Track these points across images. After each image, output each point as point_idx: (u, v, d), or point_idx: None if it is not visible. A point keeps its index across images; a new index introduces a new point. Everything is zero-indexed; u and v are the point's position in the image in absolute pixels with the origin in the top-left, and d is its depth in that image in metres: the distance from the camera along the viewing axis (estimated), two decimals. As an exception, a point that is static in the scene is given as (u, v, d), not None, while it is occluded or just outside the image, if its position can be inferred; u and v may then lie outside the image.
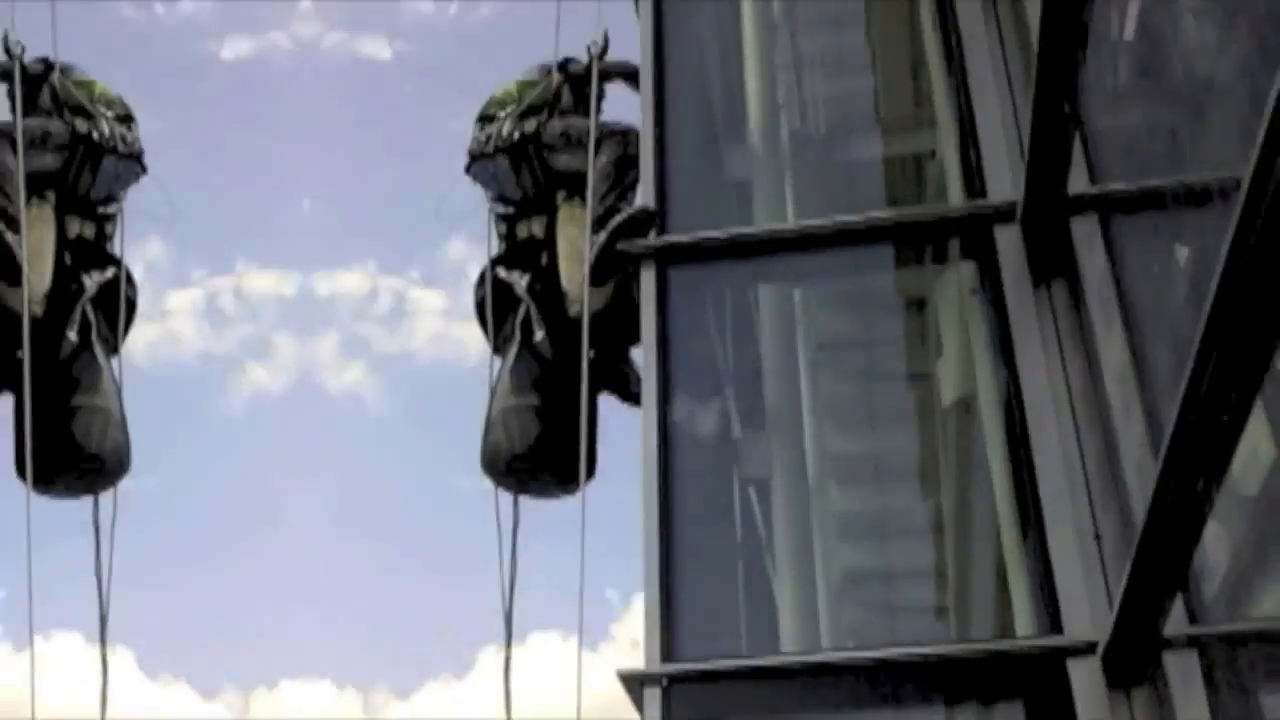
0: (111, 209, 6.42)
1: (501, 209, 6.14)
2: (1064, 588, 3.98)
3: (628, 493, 4.65)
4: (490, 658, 6.08)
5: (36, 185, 6.17)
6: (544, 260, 5.94)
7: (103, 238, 6.42)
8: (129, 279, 6.37)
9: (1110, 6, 3.90)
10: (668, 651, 4.24)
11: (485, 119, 6.22)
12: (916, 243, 5.05)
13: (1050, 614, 4.05)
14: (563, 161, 5.97)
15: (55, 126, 6.23)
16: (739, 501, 5.68)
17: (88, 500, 6.32)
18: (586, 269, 5.45)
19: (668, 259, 4.79)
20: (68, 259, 6.20)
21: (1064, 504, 4.13)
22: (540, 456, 5.85)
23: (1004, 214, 4.51)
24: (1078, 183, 4.26)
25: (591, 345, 5.60)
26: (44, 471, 6.05)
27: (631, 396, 5.80)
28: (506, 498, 6.16)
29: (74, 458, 6.15)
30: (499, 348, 6.08)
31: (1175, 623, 3.55)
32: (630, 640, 4.48)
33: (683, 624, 4.35)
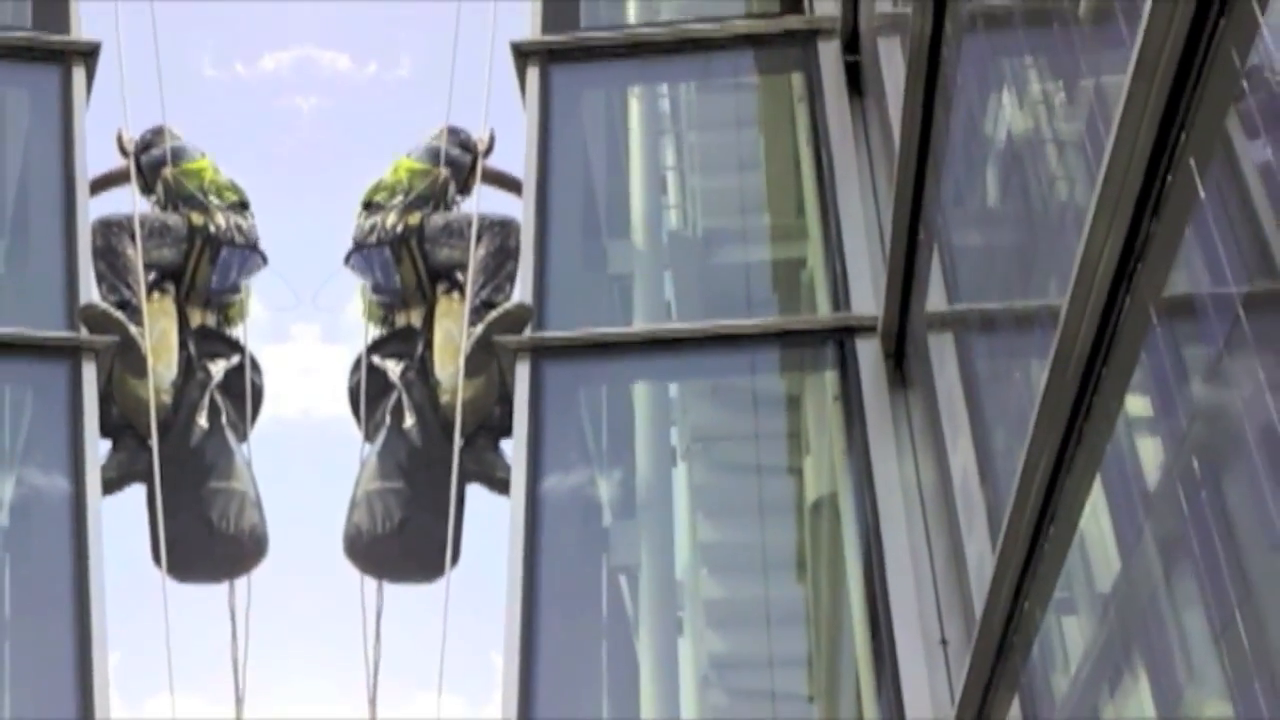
0: (232, 298, 6.50)
1: (379, 298, 6.23)
2: (909, 690, 4.15)
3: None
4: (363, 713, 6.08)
5: (158, 279, 6.25)
6: (419, 349, 6.03)
7: (225, 323, 6.50)
8: (254, 365, 6.45)
9: (966, 133, 4.14)
10: (526, 737, 4.31)
11: (369, 205, 6.32)
12: (788, 348, 5.25)
13: (896, 715, 4.21)
14: (443, 255, 6.08)
15: (173, 220, 6.31)
16: (606, 589, 5.78)
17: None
18: (461, 360, 5.55)
19: (543, 354, 4.92)
20: (192, 348, 6.26)
21: (912, 607, 4.30)
22: (401, 541, 5.90)
23: (866, 327, 4.73)
24: (935, 300, 4.48)
25: (462, 434, 5.69)
26: (182, 559, 6.02)
27: (499, 484, 5.89)
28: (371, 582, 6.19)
29: (211, 542, 6.15)
30: (370, 435, 6.15)
31: (1009, 726, 3.71)
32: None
33: (542, 707, 4.43)
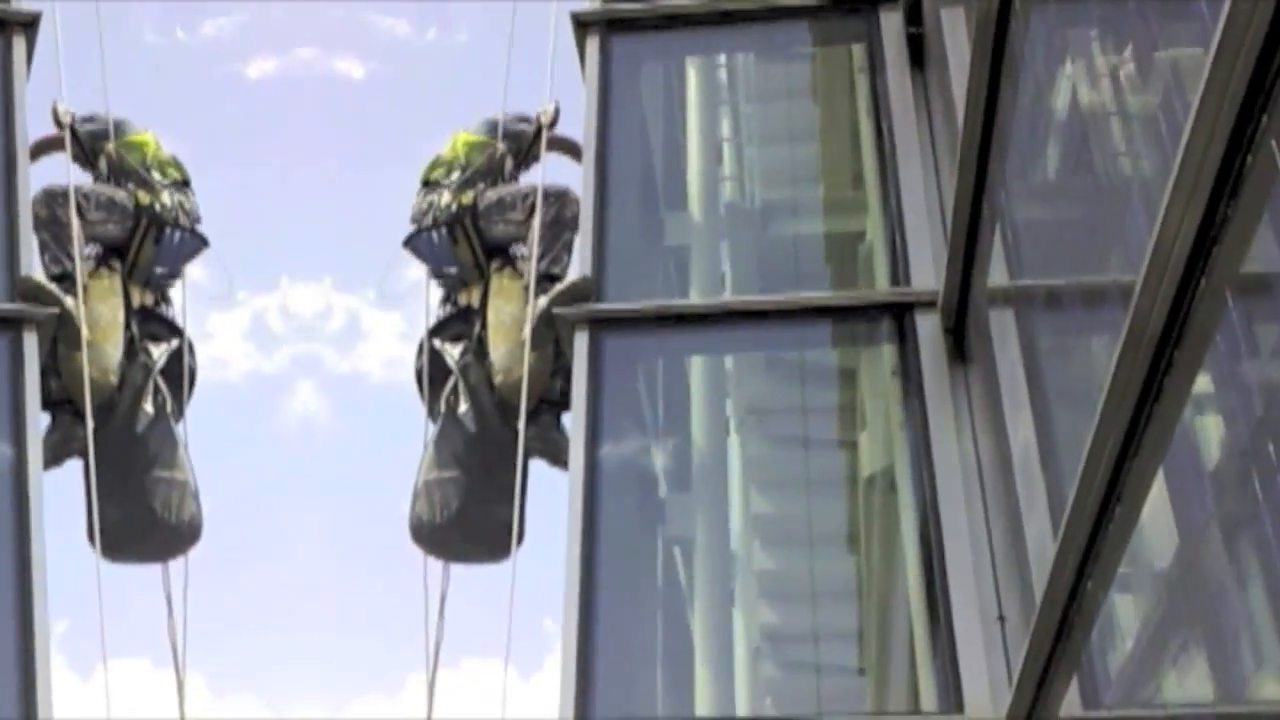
0: (172, 279, 6.54)
1: (440, 280, 6.24)
2: (966, 667, 4.13)
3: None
4: (419, 677, 6.16)
5: (103, 255, 6.29)
6: (476, 329, 6.05)
7: (161, 304, 6.53)
8: (190, 349, 6.50)
9: (1032, 106, 4.10)
10: (582, 707, 4.34)
11: (428, 183, 6.31)
12: (846, 322, 5.22)
13: (954, 691, 4.20)
14: (498, 230, 6.08)
15: (119, 196, 6.32)
16: (662, 560, 5.80)
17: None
18: (528, 329, 5.56)
19: (601, 327, 4.92)
20: (134, 328, 6.31)
21: (970, 584, 4.29)
22: (461, 528, 5.95)
23: (925, 302, 4.70)
24: (997, 275, 4.45)
25: (526, 413, 5.72)
26: (120, 542, 6.12)
27: (563, 462, 5.91)
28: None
29: (153, 530, 6.27)
30: (434, 418, 6.19)
31: (1070, 706, 3.70)
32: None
33: (600, 678, 4.46)
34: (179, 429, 6.45)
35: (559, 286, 5.38)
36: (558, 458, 5.87)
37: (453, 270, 6.12)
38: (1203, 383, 2.80)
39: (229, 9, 15.39)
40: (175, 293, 6.61)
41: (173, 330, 6.50)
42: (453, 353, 6.03)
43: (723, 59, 6.66)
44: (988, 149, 4.19)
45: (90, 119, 6.54)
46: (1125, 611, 3.63)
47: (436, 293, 6.34)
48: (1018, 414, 4.26)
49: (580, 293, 5.08)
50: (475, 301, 6.09)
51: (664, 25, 5.83)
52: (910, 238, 4.91)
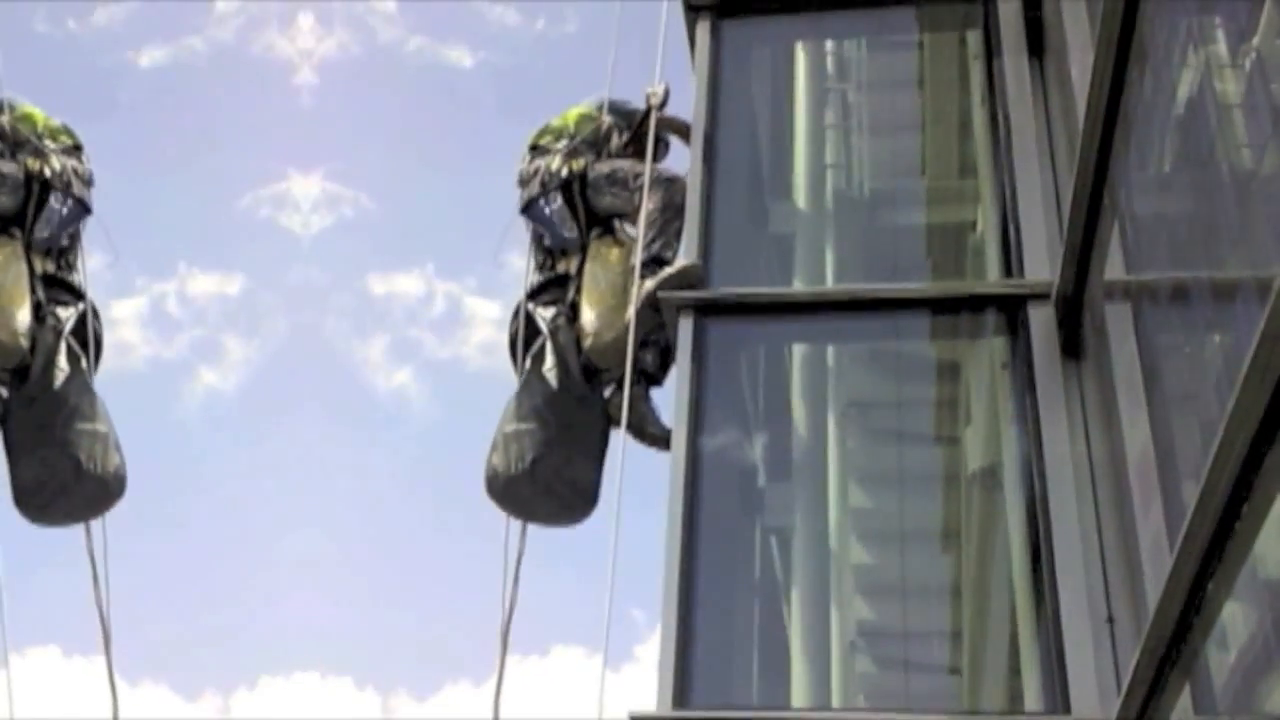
0: (68, 245, 6.60)
1: (549, 245, 6.22)
2: (1074, 667, 4.04)
3: (658, 518, 4.72)
4: (514, 665, 6.13)
5: (2, 224, 6.39)
6: (570, 294, 6.04)
7: (65, 270, 6.60)
8: (95, 312, 6.58)
9: (1155, 96, 3.98)
10: (680, 696, 4.32)
11: (535, 148, 6.31)
12: (952, 314, 5.13)
13: (1060, 691, 4.11)
14: (606, 202, 6.06)
15: (8, 168, 6.40)
16: (760, 549, 5.75)
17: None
18: (632, 311, 5.53)
19: (706, 313, 4.88)
20: (41, 294, 6.40)
21: (1079, 584, 4.19)
22: (534, 482, 5.93)
23: (1039, 294, 4.59)
24: (1114, 268, 4.33)
25: (612, 380, 5.69)
26: (46, 500, 6.22)
27: (648, 437, 5.87)
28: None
29: (79, 483, 6.30)
30: (521, 373, 6.17)
31: (1181, 712, 3.60)
32: (654, 664, 4.57)
33: (696, 668, 4.43)
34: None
35: (667, 270, 5.34)
36: (642, 430, 5.83)
37: (568, 232, 6.09)
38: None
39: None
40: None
41: (77, 296, 6.56)
42: (545, 315, 6.03)
43: (832, 45, 6.57)
44: (1110, 139, 4.08)
45: None
46: (1239, 617, 3.52)
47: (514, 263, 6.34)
48: (1133, 412, 4.15)
49: (688, 278, 5.04)
50: (573, 269, 6.08)
51: (775, 10, 5.77)
52: (1024, 228, 4.79)
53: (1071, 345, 4.55)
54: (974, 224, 5.62)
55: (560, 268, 6.23)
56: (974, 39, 5.56)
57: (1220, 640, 3.54)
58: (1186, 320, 3.86)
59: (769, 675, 5.41)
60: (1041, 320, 4.60)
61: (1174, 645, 3.46)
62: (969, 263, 5.62)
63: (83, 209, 6.54)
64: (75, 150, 6.63)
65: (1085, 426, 4.50)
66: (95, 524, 6.44)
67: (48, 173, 6.38)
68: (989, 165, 5.28)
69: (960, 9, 5.72)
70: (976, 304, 4.98)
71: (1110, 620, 4.18)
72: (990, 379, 5.08)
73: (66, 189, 6.43)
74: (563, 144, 6.21)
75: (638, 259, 5.63)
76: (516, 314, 6.28)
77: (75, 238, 6.60)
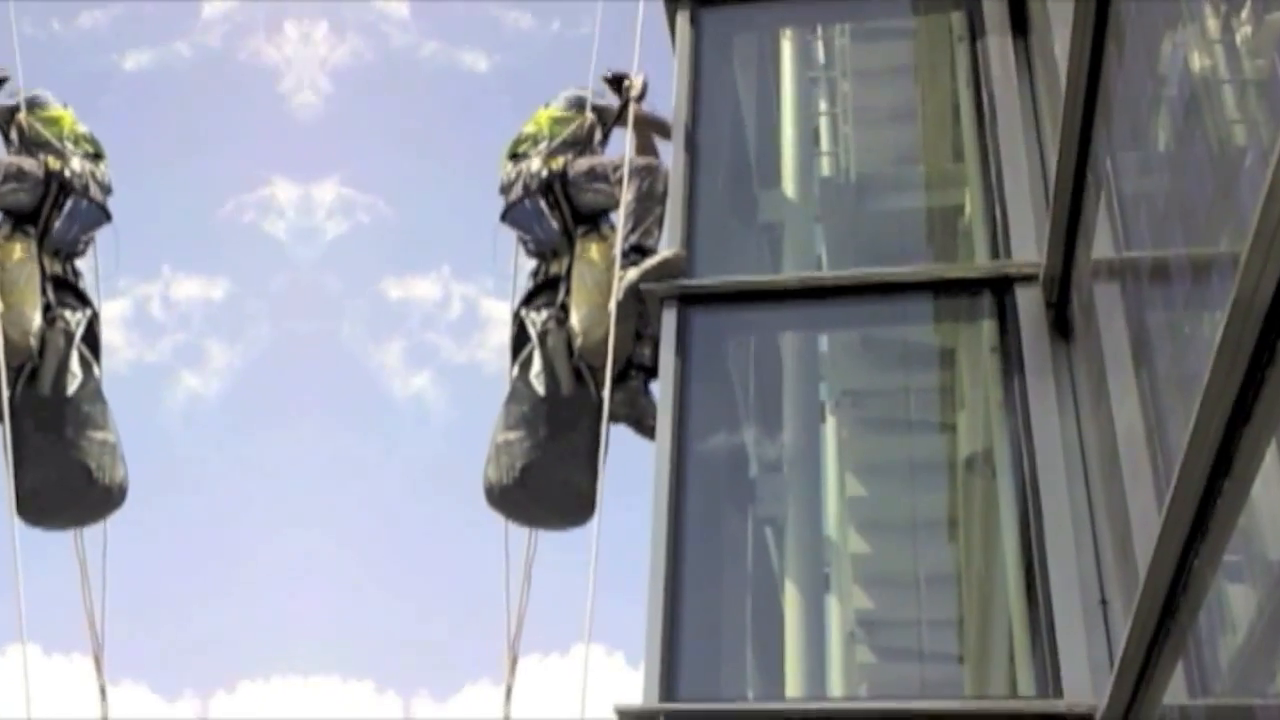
0: (80, 248, 6.58)
1: (534, 249, 6.19)
2: (1065, 651, 3.99)
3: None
4: (533, 664, 6.08)
5: (18, 222, 6.37)
6: (560, 296, 6.00)
7: (73, 275, 6.58)
8: (98, 320, 6.55)
9: (1135, 70, 3.93)
10: (668, 689, 4.27)
11: (515, 157, 6.26)
12: (942, 298, 5.08)
13: (1052, 676, 4.06)
14: (588, 199, 6.01)
15: (29, 165, 6.38)
16: (752, 541, 5.70)
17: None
18: (614, 303, 5.48)
19: (690, 302, 4.83)
20: (50, 295, 6.38)
21: (1071, 567, 4.14)
22: (528, 490, 5.90)
23: (1026, 276, 4.54)
24: (1101, 247, 4.28)
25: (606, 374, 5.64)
26: (50, 505, 6.20)
27: (648, 430, 5.83)
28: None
29: (88, 491, 6.29)
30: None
31: (1175, 692, 3.56)
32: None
33: (685, 661, 4.38)
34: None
35: (648, 261, 5.30)
36: (643, 423, 5.79)
37: (553, 232, 6.04)
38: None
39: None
40: (86, 265, 6.64)
41: (83, 301, 6.52)
42: (537, 320, 5.98)
43: (818, 30, 6.52)
44: (1091, 115, 4.03)
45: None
46: (1237, 597, 3.47)
47: (527, 265, 6.29)
48: (1123, 392, 4.10)
49: (670, 269, 4.99)
50: (563, 270, 6.03)
51: (755, -4, 5.72)
52: (1011, 209, 4.74)
53: (1061, 326, 4.50)
54: (963, 208, 5.57)
55: (553, 270, 6.20)
56: (958, 20, 5.52)
57: (1217, 621, 3.49)
58: (1174, 297, 3.81)
59: (761, 667, 5.37)
60: (1030, 301, 4.55)
61: (1163, 624, 3.41)
62: (959, 247, 5.57)
63: (102, 214, 6.53)
64: (96, 158, 6.61)
65: (1076, 407, 4.45)
66: (89, 530, 6.43)
67: (67, 173, 6.37)
68: (975, 146, 5.23)
69: (944, -10, 5.68)
70: (965, 287, 4.93)
71: (1103, 602, 4.13)
72: (981, 363, 5.03)
73: (84, 192, 6.41)
74: (541, 148, 6.17)
75: (618, 249, 5.58)
76: (513, 320, 6.25)
77: (89, 243, 6.59)
